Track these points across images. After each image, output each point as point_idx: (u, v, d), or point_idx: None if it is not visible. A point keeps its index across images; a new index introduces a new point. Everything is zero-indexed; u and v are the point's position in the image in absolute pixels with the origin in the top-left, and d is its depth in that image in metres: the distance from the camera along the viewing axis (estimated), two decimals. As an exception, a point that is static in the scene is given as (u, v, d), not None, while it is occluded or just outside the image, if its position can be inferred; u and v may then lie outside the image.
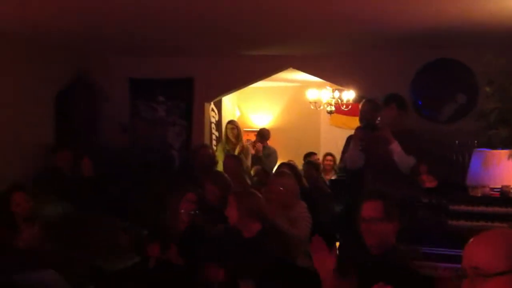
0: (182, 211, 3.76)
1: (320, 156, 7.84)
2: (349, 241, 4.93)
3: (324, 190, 5.47)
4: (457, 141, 5.15)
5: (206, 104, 6.88)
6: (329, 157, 7.59)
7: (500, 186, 3.94)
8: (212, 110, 7.42)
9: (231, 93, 7.59)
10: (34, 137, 5.71)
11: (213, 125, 7.44)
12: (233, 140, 6.73)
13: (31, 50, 5.65)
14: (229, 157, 5.70)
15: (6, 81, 5.31)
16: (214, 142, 7.40)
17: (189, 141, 6.78)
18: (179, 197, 3.80)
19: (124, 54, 6.50)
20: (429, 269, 3.28)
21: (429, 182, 4.17)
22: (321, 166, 7.38)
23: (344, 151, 5.67)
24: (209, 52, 6.31)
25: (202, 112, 6.79)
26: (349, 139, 5.27)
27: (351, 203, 5.01)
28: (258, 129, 8.38)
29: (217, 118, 7.74)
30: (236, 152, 6.54)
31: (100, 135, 6.72)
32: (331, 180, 6.82)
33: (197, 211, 3.77)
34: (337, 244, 5.27)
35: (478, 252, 1.60)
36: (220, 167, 5.77)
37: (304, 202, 4.19)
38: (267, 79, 7.06)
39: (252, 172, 6.43)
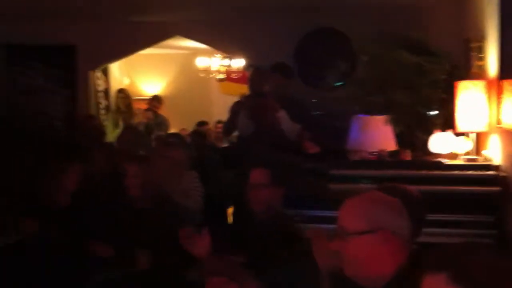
0: (67, 184, 3.58)
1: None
2: (241, 209, 5.04)
3: (212, 158, 5.49)
4: (339, 108, 5.37)
5: (90, 73, 6.60)
6: (220, 125, 7.62)
7: (376, 150, 4.15)
8: (99, 78, 7.12)
9: (117, 61, 7.34)
10: None
11: (100, 94, 7.16)
12: (124, 109, 6.58)
13: None
14: (127, 130, 5.55)
15: None
16: (102, 112, 7.14)
17: (73, 111, 6.50)
18: (64, 169, 3.61)
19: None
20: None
21: (312, 148, 4.33)
22: (213, 134, 7.40)
23: (231, 119, 5.72)
24: (90, 17, 6.01)
25: (86, 80, 6.51)
26: (234, 107, 5.33)
27: (242, 171, 5.09)
28: (151, 96, 8.24)
29: (105, 87, 7.45)
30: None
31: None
32: (222, 148, 6.87)
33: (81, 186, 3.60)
34: (230, 210, 5.40)
35: (344, 213, 1.72)
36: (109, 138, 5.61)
37: (195, 172, 4.17)
38: (156, 46, 6.89)
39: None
